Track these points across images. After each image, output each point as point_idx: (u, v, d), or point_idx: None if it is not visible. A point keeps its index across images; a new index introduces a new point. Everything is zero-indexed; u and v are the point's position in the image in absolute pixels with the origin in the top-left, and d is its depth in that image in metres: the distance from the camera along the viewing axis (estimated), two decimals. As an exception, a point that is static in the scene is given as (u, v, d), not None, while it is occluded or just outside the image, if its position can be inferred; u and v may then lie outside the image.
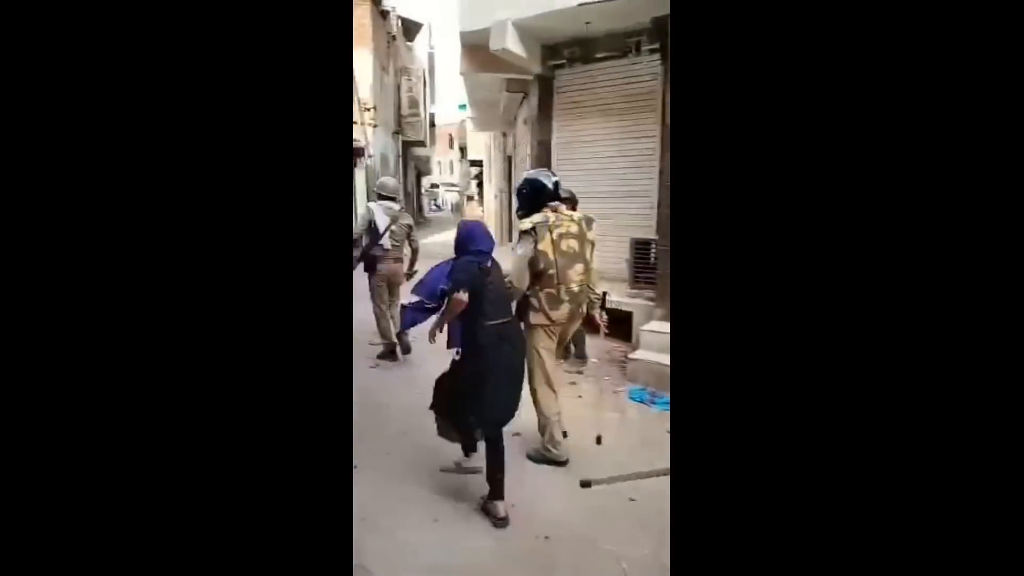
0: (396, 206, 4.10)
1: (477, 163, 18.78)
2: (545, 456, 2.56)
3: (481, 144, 16.04)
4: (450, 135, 31.92)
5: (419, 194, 24.20)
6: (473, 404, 2.09)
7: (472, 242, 2.14)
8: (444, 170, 34.78)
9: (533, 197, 2.47)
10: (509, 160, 9.89)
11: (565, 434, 2.61)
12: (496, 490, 2.14)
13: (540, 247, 2.33)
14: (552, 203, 2.44)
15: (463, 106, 12.76)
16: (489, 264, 2.13)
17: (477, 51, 5.31)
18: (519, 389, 2.20)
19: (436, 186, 35.51)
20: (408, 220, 4.12)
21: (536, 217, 2.40)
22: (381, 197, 4.07)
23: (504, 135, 10.71)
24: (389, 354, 4.15)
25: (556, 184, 2.50)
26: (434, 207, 35.06)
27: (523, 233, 2.40)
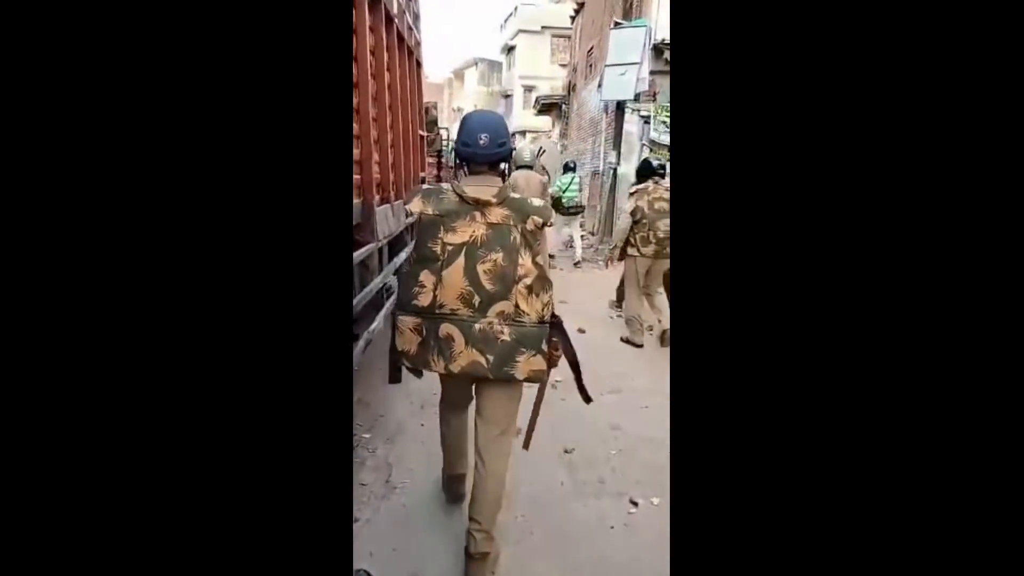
0: None
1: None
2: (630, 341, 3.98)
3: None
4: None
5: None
6: None
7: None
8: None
9: (641, 172, 3.94)
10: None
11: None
12: None
13: (639, 203, 3.71)
14: (655, 177, 3.81)
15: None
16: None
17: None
18: None
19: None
20: None
21: (640, 185, 3.84)
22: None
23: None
24: None
25: (660, 165, 3.93)
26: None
27: (630, 194, 3.91)
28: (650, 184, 3.76)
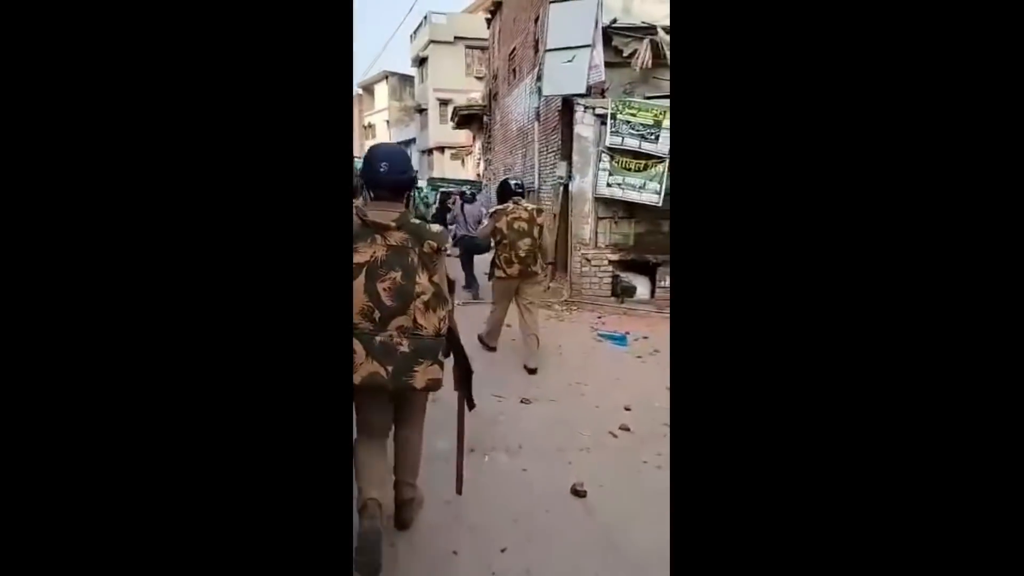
0: None
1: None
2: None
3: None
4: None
5: None
6: None
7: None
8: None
9: (501, 193, 3.97)
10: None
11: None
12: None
13: (498, 225, 3.74)
14: (514, 197, 3.82)
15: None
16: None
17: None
18: None
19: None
20: None
21: (499, 206, 3.88)
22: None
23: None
24: None
25: (517, 185, 3.95)
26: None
27: (490, 215, 4.01)
28: (509, 205, 3.78)
